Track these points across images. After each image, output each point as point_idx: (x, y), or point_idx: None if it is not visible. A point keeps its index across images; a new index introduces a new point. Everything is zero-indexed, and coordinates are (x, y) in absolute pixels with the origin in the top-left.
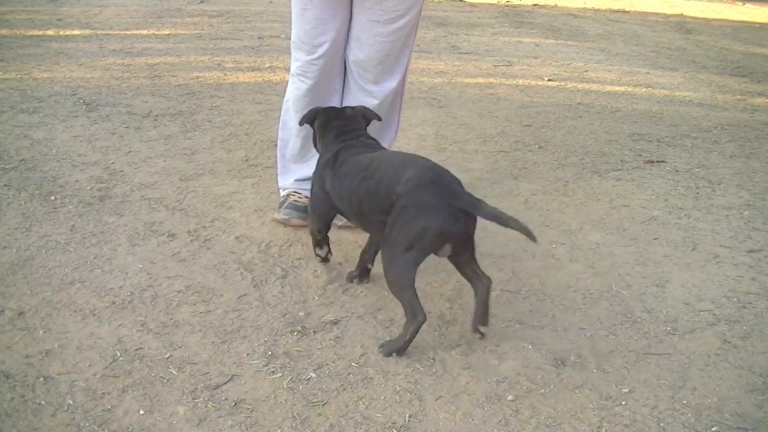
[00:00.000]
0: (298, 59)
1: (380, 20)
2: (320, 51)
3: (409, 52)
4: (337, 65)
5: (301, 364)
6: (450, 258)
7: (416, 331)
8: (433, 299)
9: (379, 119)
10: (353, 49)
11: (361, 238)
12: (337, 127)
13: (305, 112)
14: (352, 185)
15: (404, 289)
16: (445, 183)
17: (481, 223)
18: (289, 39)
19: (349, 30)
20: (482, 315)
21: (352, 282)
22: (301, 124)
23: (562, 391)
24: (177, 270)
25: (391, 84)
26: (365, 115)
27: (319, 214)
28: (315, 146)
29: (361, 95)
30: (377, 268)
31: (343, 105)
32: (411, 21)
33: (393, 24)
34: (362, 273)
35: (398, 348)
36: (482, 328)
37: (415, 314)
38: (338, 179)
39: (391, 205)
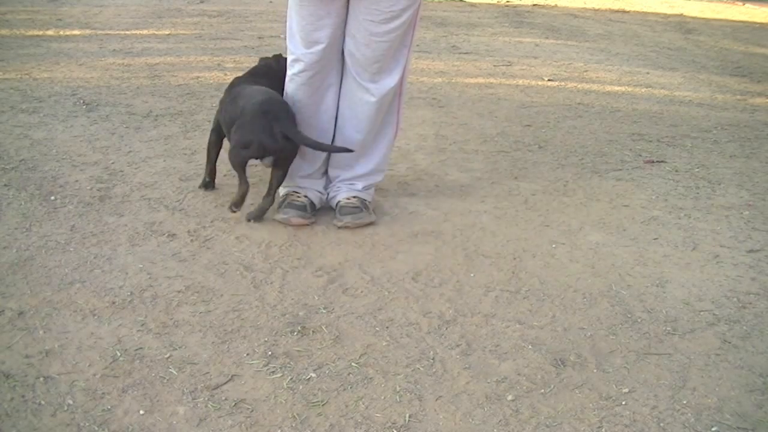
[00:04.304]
0: (293, 52)
1: (375, 20)
2: (317, 47)
3: (407, 51)
4: (333, 60)
5: (301, 364)
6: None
7: (244, 194)
8: (433, 299)
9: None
10: (349, 46)
11: (361, 238)
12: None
13: (300, 107)
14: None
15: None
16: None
17: (481, 224)
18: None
19: (346, 26)
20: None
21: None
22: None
23: (562, 391)
24: (177, 270)
25: (390, 83)
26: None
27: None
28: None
29: (359, 92)
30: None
31: (341, 100)
32: (407, 22)
33: (388, 24)
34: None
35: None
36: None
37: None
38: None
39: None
